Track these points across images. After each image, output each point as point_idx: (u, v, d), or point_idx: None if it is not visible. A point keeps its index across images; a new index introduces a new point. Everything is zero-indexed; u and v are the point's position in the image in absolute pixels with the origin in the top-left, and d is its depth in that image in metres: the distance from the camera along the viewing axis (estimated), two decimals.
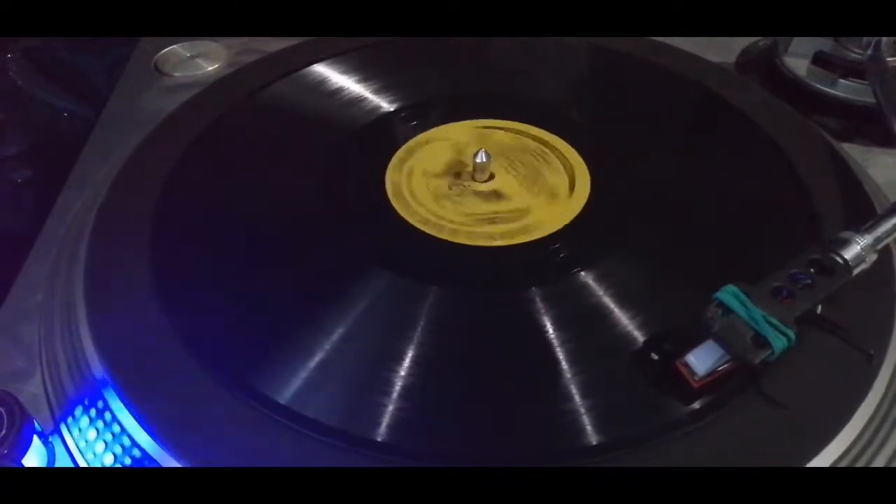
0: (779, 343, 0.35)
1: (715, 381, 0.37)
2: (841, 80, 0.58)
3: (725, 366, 0.37)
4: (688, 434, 0.36)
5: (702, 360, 0.36)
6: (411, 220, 0.47)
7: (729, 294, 0.37)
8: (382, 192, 0.49)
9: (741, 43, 0.66)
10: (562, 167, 0.50)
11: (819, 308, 0.39)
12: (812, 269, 0.38)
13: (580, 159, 0.51)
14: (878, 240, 0.40)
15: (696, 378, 0.37)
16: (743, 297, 0.36)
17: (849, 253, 0.39)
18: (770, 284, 0.38)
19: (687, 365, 0.37)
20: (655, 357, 0.39)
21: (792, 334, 0.36)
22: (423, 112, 0.55)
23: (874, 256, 0.39)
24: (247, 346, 0.40)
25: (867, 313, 0.41)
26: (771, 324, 0.36)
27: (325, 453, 0.36)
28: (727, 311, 0.36)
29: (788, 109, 0.56)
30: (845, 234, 0.40)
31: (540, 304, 0.42)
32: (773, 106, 0.56)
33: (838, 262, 0.39)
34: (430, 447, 0.37)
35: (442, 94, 0.57)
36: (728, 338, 0.36)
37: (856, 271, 0.39)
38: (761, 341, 0.35)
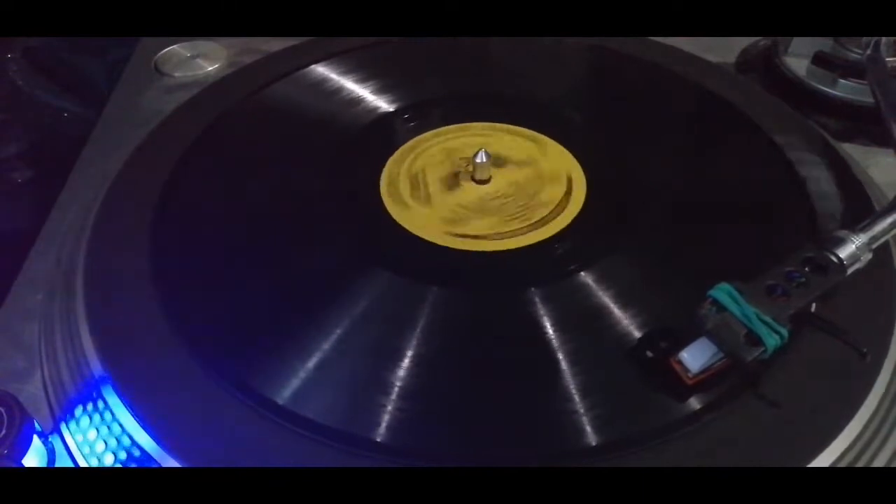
0: (771, 341, 0.35)
1: (709, 379, 0.37)
2: (841, 80, 0.58)
3: (719, 363, 0.37)
4: (688, 434, 0.36)
5: (695, 357, 0.37)
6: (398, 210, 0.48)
7: (723, 292, 0.37)
8: (382, 192, 0.49)
9: (741, 43, 0.66)
10: (509, 227, 0.47)
11: (814, 306, 0.39)
12: (806, 268, 0.38)
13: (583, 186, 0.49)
14: (873, 239, 0.40)
15: (690, 375, 0.37)
16: (737, 294, 0.36)
17: (843, 252, 0.39)
18: (764, 282, 0.37)
19: (680, 362, 0.37)
20: (650, 355, 0.39)
21: (785, 332, 0.36)
22: (423, 112, 0.55)
23: (869, 255, 0.39)
24: (247, 346, 0.40)
25: (867, 313, 0.41)
26: (764, 322, 0.36)
27: (325, 453, 0.36)
28: (721, 308, 0.36)
29: (788, 109, 0.56)
30: (840, 233, 0.40)
31: (539, 304, 0.42)
32: (773, 106, 0.56)
33: (833, 261, 0.39)
34: (430, 447, 0.37)
35: (442, 94, 0.57)
36: (721, 335, 0.36)
37: (850, 270, 0.39)
38: (754, 339, 0.35)
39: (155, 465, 0.36)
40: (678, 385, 0.37)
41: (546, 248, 0.45)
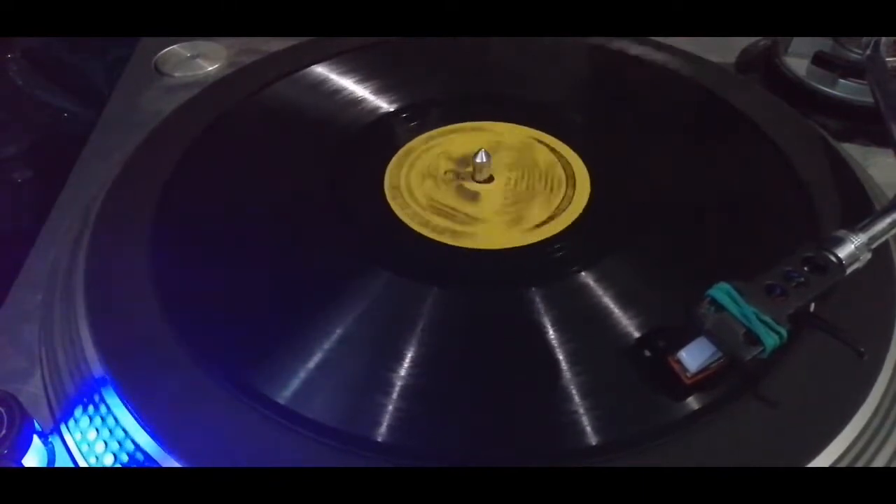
0: (770, 340, 0.35)
1: (707, 378, 0.37)
2: (841, 80, 0.58)
3: (717, 363, 0.37)
4: (688, 434, 0.36)
5: (693, 356, 0.37)
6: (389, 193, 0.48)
7: (721, 291, 0.36)
8: (382, 192, 0.49)
9: (741, 43, 0.66)
10: (556, 203, 0.48)
11: (813, 306, 0.39)
12: (806, 268, 0.38)
13: (586, 178, 0.50)
14: (872, 238, 0.39)
15: (688, 375, 0.37)
16: (735, 294, 0.36)
17: (843, 252, 0.39)
18: (763, 282, 0.37)
19: (679, 361, 0.37)
20: (649, 354, 0.39)
21: (784, 332, 0.35)
22: (422, 112, 0.55)
23: (868, 255, 0.39)
24: (246, 346, 0.40)
25: (867, 313, 0.41)
26: (763, 321, 0.35)
27: (325, 453, 0.36)
28: (720, 308, 0.36)
29: (788, 109, 0.56)
30: (840, 233, 0.40)
31: (539, 304, 0.42)
32: (773, 106, 0.56)
33: (832, 261, 0.39)
34: (429, 447, 0.37)
35: (442, 95, 0.57)
36: (720, 335, 0.36)
37: (849, 270, 0.39)
38: (753, 338, 0.35)
39: (155, 465, 0.36)
40: (676, 385, 0.37)
41: (547, 248, 0.45)
